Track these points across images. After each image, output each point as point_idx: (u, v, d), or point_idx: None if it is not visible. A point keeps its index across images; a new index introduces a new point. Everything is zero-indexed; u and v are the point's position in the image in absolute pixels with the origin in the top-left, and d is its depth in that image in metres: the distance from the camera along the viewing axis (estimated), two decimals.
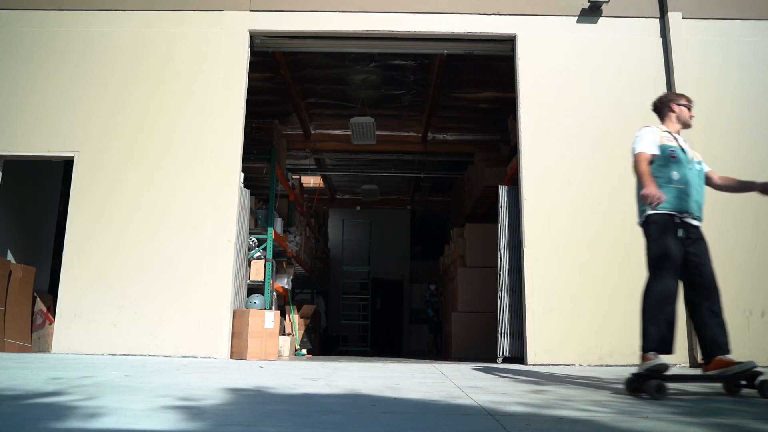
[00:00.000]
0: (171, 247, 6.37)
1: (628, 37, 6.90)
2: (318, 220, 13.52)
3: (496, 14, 6.92)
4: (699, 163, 3.85)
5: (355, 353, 13.35)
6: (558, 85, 6.78)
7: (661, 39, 6.87)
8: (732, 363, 3.40)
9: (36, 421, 2.14)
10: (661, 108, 4.00)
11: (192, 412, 2.41)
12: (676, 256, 3.54)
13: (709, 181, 3.93)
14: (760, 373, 3.37)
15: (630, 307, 6.26)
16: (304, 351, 8.76)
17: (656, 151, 3.74)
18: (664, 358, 3.35)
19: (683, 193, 3.65)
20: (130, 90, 6.76)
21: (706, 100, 6.72)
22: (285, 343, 7.86)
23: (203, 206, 6.47)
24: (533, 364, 6.08)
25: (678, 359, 6.13)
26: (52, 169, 8.38)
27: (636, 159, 3.74)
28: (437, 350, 12.94)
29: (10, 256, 7.50)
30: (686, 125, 3.97)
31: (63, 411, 2.36)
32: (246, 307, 7.10)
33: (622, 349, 6.15)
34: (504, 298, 6.61)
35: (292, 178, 10.20)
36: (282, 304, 9.64)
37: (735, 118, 6.70)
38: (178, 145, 6.61)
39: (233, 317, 6.38)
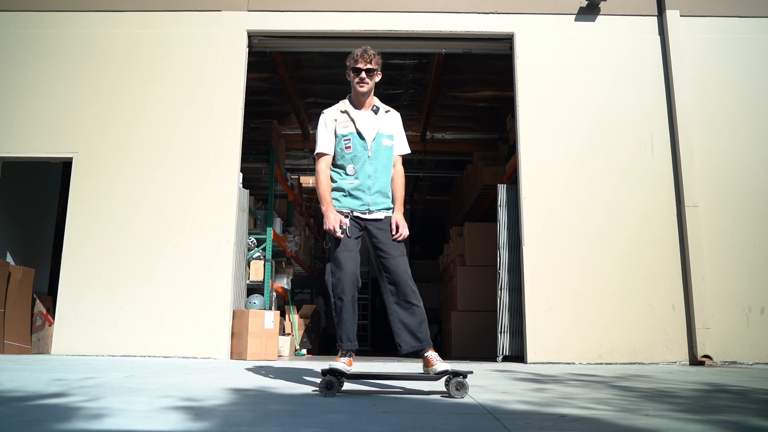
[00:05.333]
0: (170, 248, 6.36)
1: (626, 35, 6.90)
2: (317, 220, 13.50)
3: (494, 13, 6.93)
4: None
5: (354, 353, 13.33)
6: (556, 83, 6.78)
7: (659, 37, 6.88)
8: None
9: (38, 423, 2.14)
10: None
11: (193, 412, 2.42)
12: None
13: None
14: None
15: (630, 305, 6.26)
16: (304, 351, 8.76)
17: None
18: None
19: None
20: (128, 91, 6.76)
21: (705, 97, 6.73)
22: (285, 343, 7.86)
23: (202, 207, 6.47)
24: (533, 363, 6.09)
25: (678, 357, 6.14)
26: (51, 171, 8.37)
27: None
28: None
29: (9, 258, 7.49)
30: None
31: (65, 412, 2.36)
32: (246, 307, 7.10)
33: (622, 346, 6.16)
34: (503, 297, 6.61)
35: (291, 178, 10.20)
36: (281, 304, 9.64)
37: (735, 115, 6.70)
38: (177, 146, 6.60)
39: (233, 318, 6.38)
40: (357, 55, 3.51)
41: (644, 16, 6.94)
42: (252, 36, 6.95)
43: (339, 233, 3.37)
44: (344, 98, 3.66)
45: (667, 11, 6.83)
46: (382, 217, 3.51)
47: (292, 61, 8.62)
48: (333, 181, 3.54)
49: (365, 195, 3.47)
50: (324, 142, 3.55)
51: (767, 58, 6.84)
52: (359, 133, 3.51)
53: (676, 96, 6.65)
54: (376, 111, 3.60)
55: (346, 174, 3.51)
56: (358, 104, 3.58)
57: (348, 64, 3.56)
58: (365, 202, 3.47)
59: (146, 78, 6.78)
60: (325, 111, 3.63)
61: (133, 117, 6.68)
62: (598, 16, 6.94)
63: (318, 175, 3.54)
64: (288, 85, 9.14)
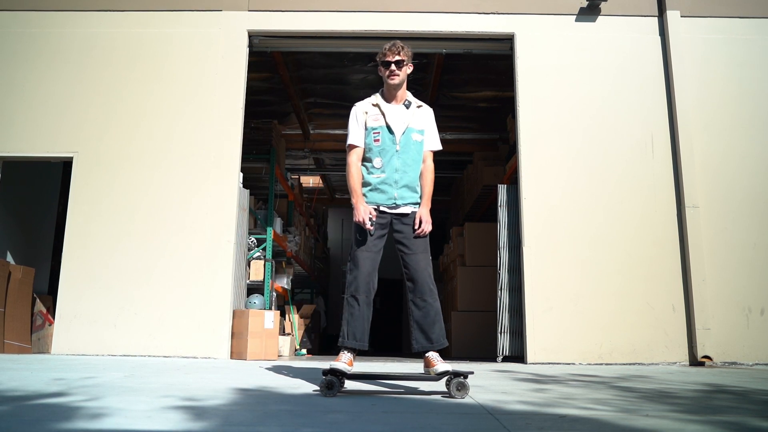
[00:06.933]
0: (170, 248, 6.36)
1: (626, 35, 6.90)
2: (317, 220, 13.50)
3: (494, 13, 6.93)
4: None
5: None
6: (557, 83, 6.78)
7: (659, 37, 6.88)
8: None
9: (38, 422, 2.14)
10: None
11: (194, 412, 2.41)
12: None
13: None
14: None
15: (630, 305, 6.26)
16: (304, 351, 8.76)
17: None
18: None
19: None
20: (129, 91, 6.76)
21: (705, 97, 6.73)
22: (285, 343, 7.86)
23: (202, 207, 6.47)
24: (533, 363, 6.09)
25: (678, 357, 6.14)
26: (51, 171, 8.37)
27: None
28: None
29: (9, 258, 7.49)
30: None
31: (65, 412, 2.36)
32: (246, 307, 7.10)
33: (622, 347, 6.16)
34: (503, 297, 6.61)
35: (291, 178, 10.19)
36: (281, 304, 9.64)
37: (735, 115, 6.70)
38: (178, 146, 6.60)
39: (233, 317, 6.38)
40: (386, 49, 3.52)
41: (645, 16, 6.94)
42: (252, 36, 6.95)
43: (368, 225, 3.36)
44: (376, 92, 3.68)
45: (667, 12, 6.83)
46: (409, 212, 3.51)
47: (292, 61, 8.62)
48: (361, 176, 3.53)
49: (392, 189, 3.46)
50: (354, 134, 3.56)
51: (767, 58, 6.85)
52: (388, 127, 3.51)
53: (677, 96, 6.65)
54: (407, 105, 3.59)
55: (374, 167, 3.50)
56: (389, 98, 3.59)
57: (378, 59, 3.57)
58: (391, 196, 3.46)
59: (147, 78, 6.78)
60: (357, 104, 3.65)
61: (133, 117, 6.69)
62: (599, 17, 6.93)
63: (348, 167, 3.54)
64: (288, 85, 9.14)
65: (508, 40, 6.97)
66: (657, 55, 6.85)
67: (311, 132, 11.23)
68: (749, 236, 6.42)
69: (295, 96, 9.65)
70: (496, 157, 9.97)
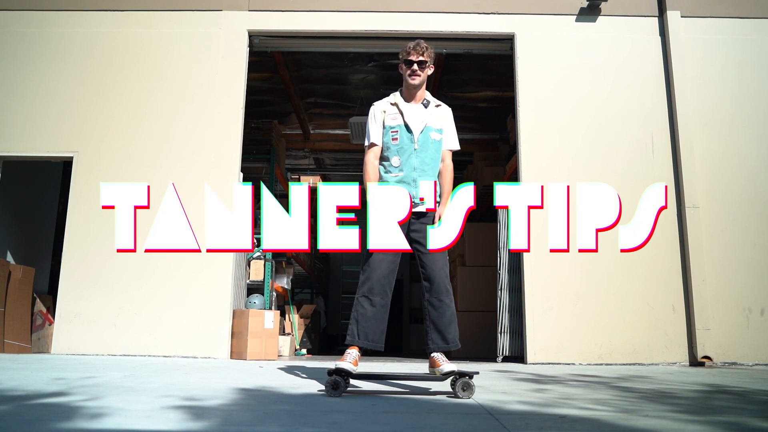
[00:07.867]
0: None
1: (626, 35, 6.90)
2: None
3: (495, 13, 6.92)
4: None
5: None
6: (557, 83, 6.78)
7: (659, 37, 6.88)
8: None
9: (38, 421, 2.14)
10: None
11: (193, 412, 2.41)
12: None
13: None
14: None
15: (630, 306, 6.26)
16: (304, 351, 8.76)
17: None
18: None
19: None
20: (129, 90, 6.75)
21: (705, 98, 6.73)
22: (285, 343, 7.86)
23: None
24: (533, 363, 6.09)
25: (678, 358, 6.14)
26: (51, 170, 8.36)
27: None
28: None
29: (9, 257, 7.48)
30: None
31: (65, 411, 2.37)
32: (246, 307, 7.10)
33: (622, 347, 6.16)
34: (503, 298, 6.61)
35: (292, 178, 10.20)
36: (282, 304, 9.64)
37: (735, 116, 6.70)
38: (178, 146, 6.60)
39: (233, 317, 6.37)
40: (410, 48, 3.50)
41: (645, 16, 6.94)
42: (253, 36, 6.95)
43: None
44: (395, 91, 3.67)
45: (667, 12, 6.83)
46: (426, 211, 3.50)
47: (292, 61, 8.62)
48: (379, 175, 3.52)
49: (410, 188, 3.43)
50: (372, 133, 3.57)
51: (767, 58, 6.83)
52: (407, 126, 3.50)
53: (677, 96, 6.65)
54: (426, 105, 3.59)
55: (392, 166, 3.49)
56: (408, 97, 3.58)
57: (400, 56, 3.55)
58: (410, 194, 3.44)
59: (147, 77, 6.77)
60: (375, 103, 3.64)
61: (133, 117, 6.68)
62: (599, 17, 6.93)
63: (366, 165, 3.55)
64: (288, 85, 9.14)
65: (508, 40, 6.97)
66: (657, 55, 6.84)
67: (311, 132, 11.22)
68: (749, 236, 6.42)
69: (295, 96, 9.65)
70: (496, 157, 9.96)
